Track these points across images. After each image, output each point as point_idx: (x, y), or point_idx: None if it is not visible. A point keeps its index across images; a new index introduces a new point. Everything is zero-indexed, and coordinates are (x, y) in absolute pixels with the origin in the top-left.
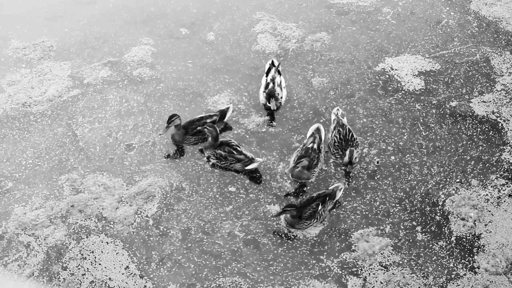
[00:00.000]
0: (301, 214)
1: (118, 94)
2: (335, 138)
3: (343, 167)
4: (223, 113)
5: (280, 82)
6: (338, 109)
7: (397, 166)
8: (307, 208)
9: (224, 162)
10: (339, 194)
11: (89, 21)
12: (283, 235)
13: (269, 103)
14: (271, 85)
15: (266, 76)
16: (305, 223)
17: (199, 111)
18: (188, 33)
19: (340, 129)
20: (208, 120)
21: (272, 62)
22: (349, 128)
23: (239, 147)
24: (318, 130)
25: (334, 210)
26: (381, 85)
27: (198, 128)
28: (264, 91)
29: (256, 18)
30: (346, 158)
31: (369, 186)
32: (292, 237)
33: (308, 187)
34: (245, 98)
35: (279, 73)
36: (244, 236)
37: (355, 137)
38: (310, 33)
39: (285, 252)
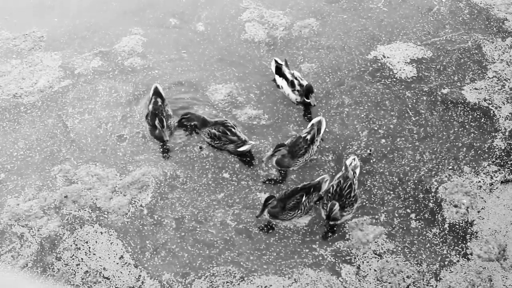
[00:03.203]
0: (285, 204)
1: (107, 85)
2: (331, 188)
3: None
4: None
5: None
6: (354, 159)
7: (389, 148)
8: (291, 199)
9: (217, 142)
10: (324, 186)
11: (79, 11)
12: (273, 225)
13: (307, 98)
14: (296, 81)
15: (280, 76)
16: (289, 214)
17: (196, 100)
18: (178, 23)
19: (342, 180)
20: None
21: (276, 61)
22: (351, 183)
23: (234, 128)
24: (319, 122)
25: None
26: (372, 72)
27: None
28: (293, 90)
29: (243, 6)
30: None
31: (364, 172)
32: (283, 227)
33: (294, 176)
34: (243, 90)
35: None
36: (236, 225)
37: (353, 195)
38: (298, 19)
39: (277, 241)
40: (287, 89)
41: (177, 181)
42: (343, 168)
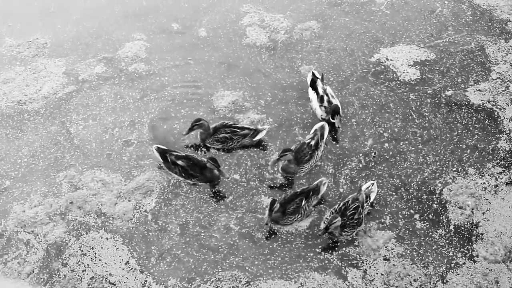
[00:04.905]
0: (285, 209)
1: (112, 91)
2: (337, 205)
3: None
4: None
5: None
6: (372, 184)
7: (391, 153)
8: (291, 204)
9: (231, 143)
10: (323, 189)
11: (82, 16)
12: (275, 230)
13: (333, 119)
14: (325, 97)
15: (313, 88)
16: (289, 219)
17: (203, 108)
18: (180, 28)
19: (350, 201)
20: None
21: (313, 73)
22: (357, 206)
23: (238, 124)
24: (322, 128)
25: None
26: (376, 74)
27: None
28: (321, 105)
29: (243, 10)
30: (322, 223)
31: (364, 175)
32: (285, 231)
33: (301, 181)
34: (250, 97)
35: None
36: (239, 230)
37: (356, 217)
38: (299, 22)
39: (281, 246)
40: (315, 103)
41: (180, 190)
42: (357, 190)
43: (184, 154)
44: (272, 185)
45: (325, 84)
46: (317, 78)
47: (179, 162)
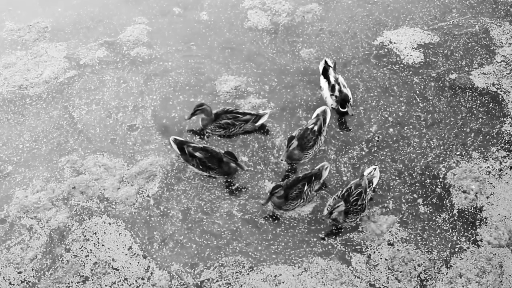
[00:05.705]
0: (288, 194)
1: (115, 75)
2: (340, 192)
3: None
4: None
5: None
6: (375, 169)
7: (395, 138)
8: (293, 189)
9: (233, 129)
10: (325, 174)
11: (82, 0)
12: (278, 215)
13: (343, 108)
14: (337, 86)
15: (324, 77)
16: (292, 204)
17: (206, 93)
18: (181, 12)
19: (353, 186)
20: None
21: (326, 61)
22: (361, 191)
23: (239, 109)
24: (324, 112)
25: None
26: (378, 57)
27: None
28: (332, 94)
29: None
30: (325, 209)
31: (367, 160)
32: (288, 216)
33: (306, 166)
34: (254, 82)
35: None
36: (242, 216)
37: (359, 203)
38: (300, 5)
39: (284, 231)
40: (326, 92)
41: (183, 175)
42: (360, 176)
43: (201, 146)
44: (276, 169)
45: (337, 73)
46: (329, 66)
47: (197, 154)
